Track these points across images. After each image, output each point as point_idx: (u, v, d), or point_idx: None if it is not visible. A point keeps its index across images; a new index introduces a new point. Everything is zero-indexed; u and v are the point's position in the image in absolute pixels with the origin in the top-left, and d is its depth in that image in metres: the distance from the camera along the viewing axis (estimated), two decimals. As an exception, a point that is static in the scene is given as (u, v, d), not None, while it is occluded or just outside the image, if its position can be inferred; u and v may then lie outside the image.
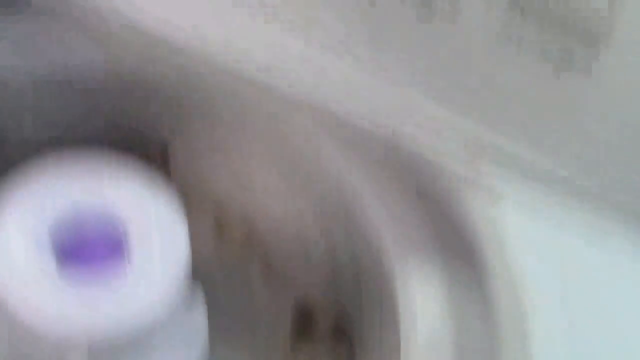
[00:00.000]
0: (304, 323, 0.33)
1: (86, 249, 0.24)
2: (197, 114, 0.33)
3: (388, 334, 0.28)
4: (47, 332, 0.22)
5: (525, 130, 0.24)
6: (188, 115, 0.33)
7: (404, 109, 0.25)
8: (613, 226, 0.24)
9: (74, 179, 0.25)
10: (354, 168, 0.30)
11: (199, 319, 0.26)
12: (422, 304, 0.26)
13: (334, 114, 0.27)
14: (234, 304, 0.32)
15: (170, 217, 0.24)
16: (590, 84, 0.21)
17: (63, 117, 0.31)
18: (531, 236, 0.26)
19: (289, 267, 0.34)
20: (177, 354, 0.25)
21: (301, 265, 0.33)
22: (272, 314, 0.33)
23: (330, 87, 0.26)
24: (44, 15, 0.30)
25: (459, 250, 0.27)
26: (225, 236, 0.34)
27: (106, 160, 0.25)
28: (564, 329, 0.24)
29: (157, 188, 0.25)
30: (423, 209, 0.28)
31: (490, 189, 0.26)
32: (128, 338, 0.23)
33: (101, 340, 0.23)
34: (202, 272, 0.29)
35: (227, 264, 0.33)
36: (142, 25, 0.26)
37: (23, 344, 0.23)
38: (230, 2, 0.25)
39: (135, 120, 0.33)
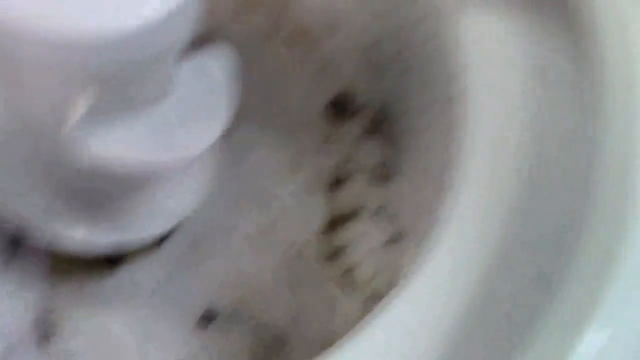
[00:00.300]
0: (339, 107, 0.30)
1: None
2: None
3: (439, 121, 0.25)
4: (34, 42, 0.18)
5: None
6: None
7: None
8: None
9: None
10: None
11: (221, 76, 0.23)
12: (486, 71, 0.22)
13: None
14: (263, 81, 0.29)
15: None
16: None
17: None
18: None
19: (324, 44, 0.30)
20: (195, 103, 0.22)
21: (338, 43, 0.30)
22: (304, 98, 0.30)
23: None
24: None
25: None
26: (252, 12, 0.30)
27: None
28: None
29: None
30: None
31: None
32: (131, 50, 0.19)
33: (104, 55, 0.19)
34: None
35: (255, 40, 0.30)
36: None
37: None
38: None
39: None
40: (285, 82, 0.30)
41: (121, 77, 0.20)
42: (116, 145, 0.21)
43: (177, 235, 0.27)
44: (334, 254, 0.27)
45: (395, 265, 0.27)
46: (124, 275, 0.26)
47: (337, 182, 0.29)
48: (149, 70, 0.20)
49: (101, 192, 0.25)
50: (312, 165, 0.29)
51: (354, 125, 0.30)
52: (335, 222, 0.28)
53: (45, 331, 0.25)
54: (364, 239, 0.27)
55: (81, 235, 0.25)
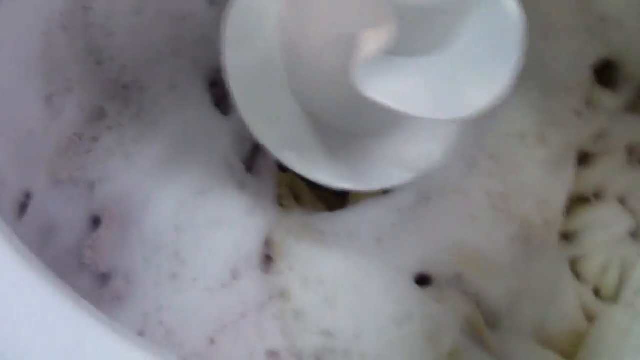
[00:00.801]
0: (603, 74, 0.27)
1: None
2: None
3: None
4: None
5: None
6: None
7: None
8: None
9: None
10: None
11: (510, 30, 0.21)
12: None
13: None
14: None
15: None
16: None
17: None
18: None
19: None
20: (477, 57, 0.20)
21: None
22: (570, 56, 0.27)
23: None
24: None
25: None
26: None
27: None
28: None
29: None
30: None
31: None
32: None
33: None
34: None
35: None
36: None
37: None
38: None
39: None
40: (552, 35, 0.28)
41: (420, 19, 0.19)
42: (392, 93, 0.20)
43: (408, 187, 0.26)
44: (566, 237, 0.26)
45: (630, 263, 0.25)
46: (349, 217, 0.26)
47: (586, 158, 0.27)
48: (449, 18, 0.19)
49: (355, 130, 0.25)
50: (563, 135, 0.27)
51: (616, 97, 0.27)
52: (576, 202, 0.26)
53: (268, 257, 0.26)
54: (601, 227, 0.26)
55: (320, 168, 0.24)
